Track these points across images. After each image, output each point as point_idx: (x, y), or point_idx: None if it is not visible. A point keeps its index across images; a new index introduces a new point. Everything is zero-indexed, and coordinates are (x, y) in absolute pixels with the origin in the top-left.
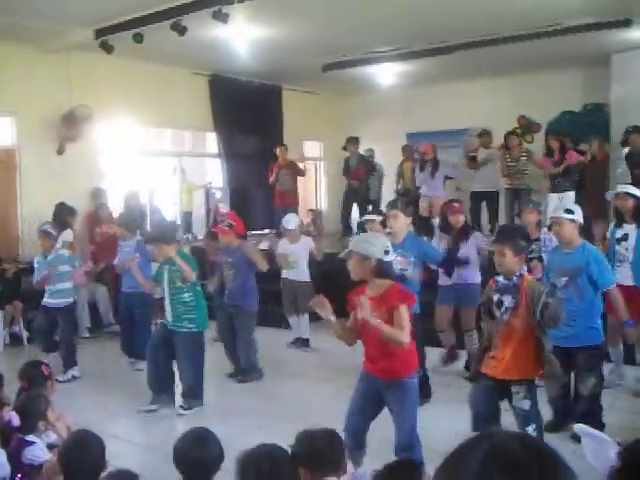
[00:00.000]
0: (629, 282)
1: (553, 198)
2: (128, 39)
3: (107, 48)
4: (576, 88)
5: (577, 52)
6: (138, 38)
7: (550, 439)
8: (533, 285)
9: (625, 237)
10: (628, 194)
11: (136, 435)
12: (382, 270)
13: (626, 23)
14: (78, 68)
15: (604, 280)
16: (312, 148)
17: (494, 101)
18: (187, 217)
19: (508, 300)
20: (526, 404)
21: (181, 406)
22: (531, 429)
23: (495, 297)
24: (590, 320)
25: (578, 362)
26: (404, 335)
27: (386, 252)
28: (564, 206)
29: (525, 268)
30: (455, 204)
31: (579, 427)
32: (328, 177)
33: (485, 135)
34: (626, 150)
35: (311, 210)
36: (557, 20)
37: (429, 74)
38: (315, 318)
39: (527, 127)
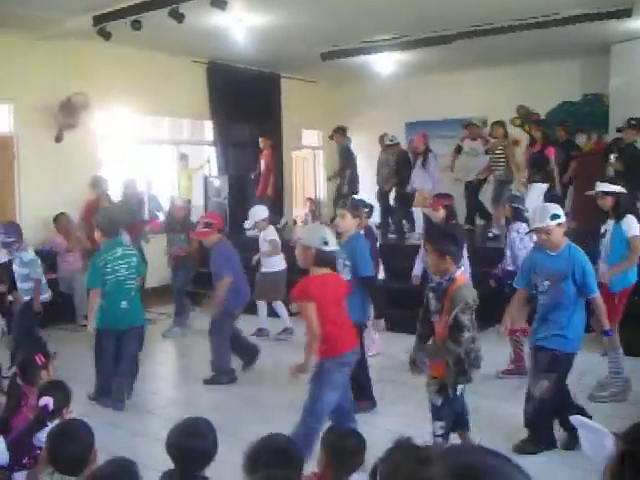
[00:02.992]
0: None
1: (535, 188)
2: (126, 26)
3: (105, 35)
4: (576, 78)
5: (577, 42)
6: (136, 25)
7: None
8: (458, 292)
9: (604, 234)
10: (605, 193)
11: (134, 424)
12: (320, 259)
13: (626, 13)
14: (76, 55)
15: (589, 287)
16: (311, 136)
17: (493, 91)
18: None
19: (434, 303)
20: (437, 400)
21: None
22: (438, 425)
23: (430, 295)
24: (569, 327)
25: (537, 360)
26: (312, 343)
27: (325, 243)
28: (547, 212)
29: (460, 270)
30: (431, 200)
31: (574, 418)
32: (327, 166)
33: (472, 126)
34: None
35: (310, 199)
36: (557, 10)
37: (428, 63)
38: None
39: (526, 117)
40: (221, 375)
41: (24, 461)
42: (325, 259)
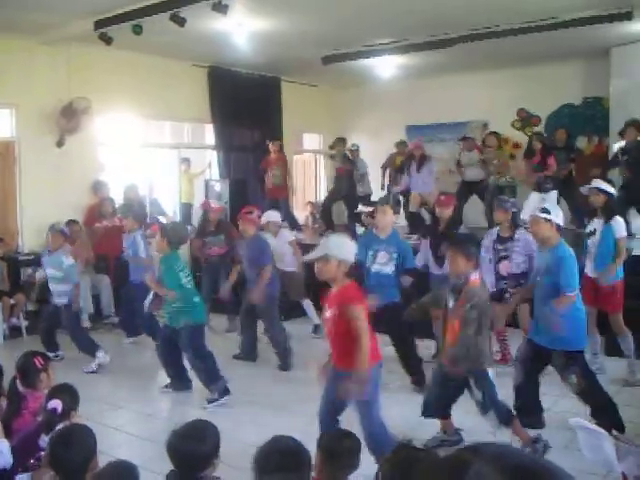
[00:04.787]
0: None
1: (534, 197)
2: (127, 31)
3: (106, 40)
4: (576, 81)
5: (577, 45)
6: (137, 30)
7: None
8: (471, 290)
9: (594, 232)
10: (599, 190)
11: (136, 427)
12: (350, 272)
13: (626, 16)
14: (77, 60)
15: (563, 283)
16: (312, 140)
17: (494, 94)
18: (186, 208)
19: (452, 299)
20: (479, 395)
21: (210, 400)
22: (492, 415)
23: (448, 294)
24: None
25: (555, 362)
26: (364, 346)
27: (354, 255)
28: (540, 205)
29: (477, 273)
30: (442, 197)
31: (574, 421)
32: (328, 169)
33: (469, 139)
34: (623, 143)
35: (310, 202)
36: (558, 13)
37: (429, 67)
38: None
39: (526, 120)
40: (289, 357)
41: (29, 463)
42: (352, 271)
